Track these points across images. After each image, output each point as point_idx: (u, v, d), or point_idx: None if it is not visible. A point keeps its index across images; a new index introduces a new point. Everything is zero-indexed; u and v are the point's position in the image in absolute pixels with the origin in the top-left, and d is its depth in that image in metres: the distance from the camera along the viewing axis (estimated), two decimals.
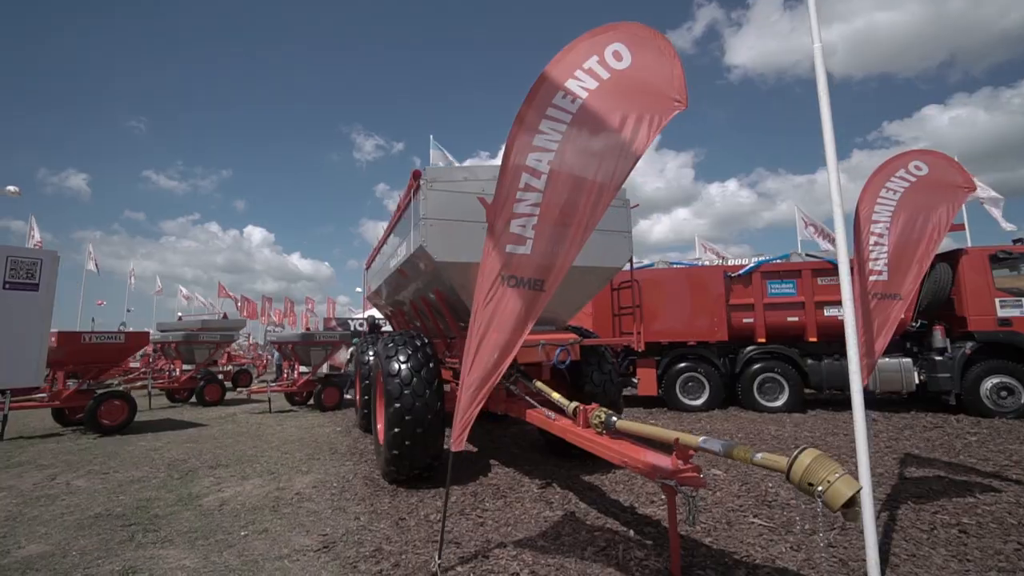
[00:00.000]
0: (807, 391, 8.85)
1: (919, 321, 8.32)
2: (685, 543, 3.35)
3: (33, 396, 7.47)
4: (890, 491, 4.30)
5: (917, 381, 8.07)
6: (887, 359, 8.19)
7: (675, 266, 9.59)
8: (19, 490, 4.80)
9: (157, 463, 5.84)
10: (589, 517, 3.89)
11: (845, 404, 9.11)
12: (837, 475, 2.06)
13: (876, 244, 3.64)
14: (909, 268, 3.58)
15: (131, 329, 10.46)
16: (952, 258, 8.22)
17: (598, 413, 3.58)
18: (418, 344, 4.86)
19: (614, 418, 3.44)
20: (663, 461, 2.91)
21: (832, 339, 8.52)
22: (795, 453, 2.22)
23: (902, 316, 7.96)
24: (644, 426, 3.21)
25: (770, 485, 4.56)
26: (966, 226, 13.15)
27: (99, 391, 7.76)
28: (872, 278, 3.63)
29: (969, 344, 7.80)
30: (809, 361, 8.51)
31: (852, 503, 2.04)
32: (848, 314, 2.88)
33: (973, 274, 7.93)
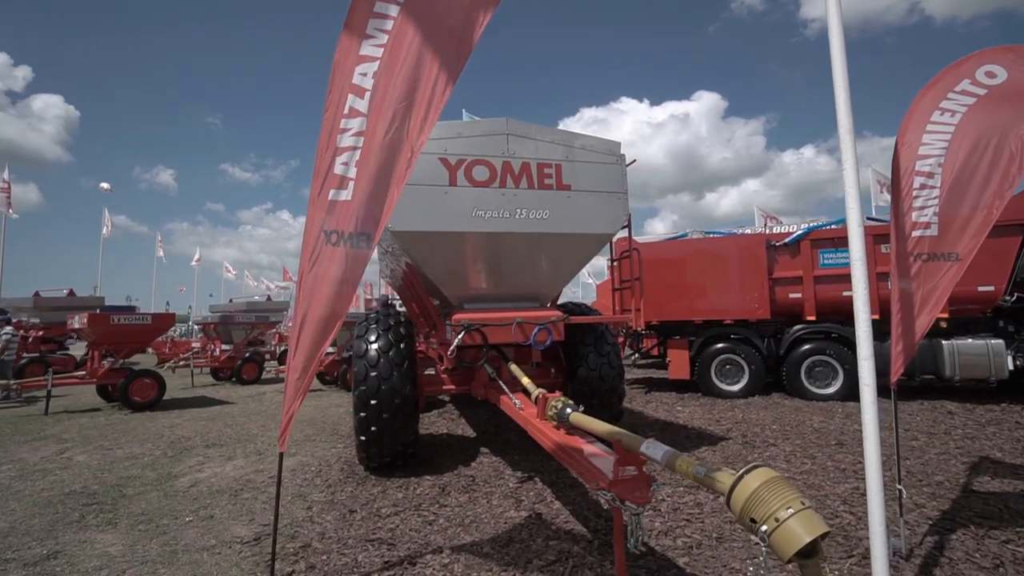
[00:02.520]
0: None
1: (1014, 295, 6.84)
2: (655, 562, 2.77)
3: (73, 373, 8.02)
4: (948, 507, 3.41)
5: (1011, 367, 6.67)
6: (970, 340, 6.85)
7: (710, 235, 8.57)
8: (25, 463, 5.03)
9: (163, 440, 5.99)
10: (557, 520, 3.38)
11: (914, 392, 7.79)
12: (791, 510, 1.41)
13: (923, 187, 2.74)
14: (971, 217, 2.66)
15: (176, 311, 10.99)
16: None
17: (554, 403, 3.04)
18: (391, 323, 4.51)
19: (568, 410, 2.89)
20: (605, 466, 2.34)
21: None
22: (740, 472, 1.59)
23: (988, 289, 6.59)
24: (596, 422, 2.64)
25: None
26: None
27: (133, 369, 8.20)
28: (915, 233, 2.75)
29: None
30: None
31: (813, 553, 1.39)
32: (858, 280, 2.12)
33: None
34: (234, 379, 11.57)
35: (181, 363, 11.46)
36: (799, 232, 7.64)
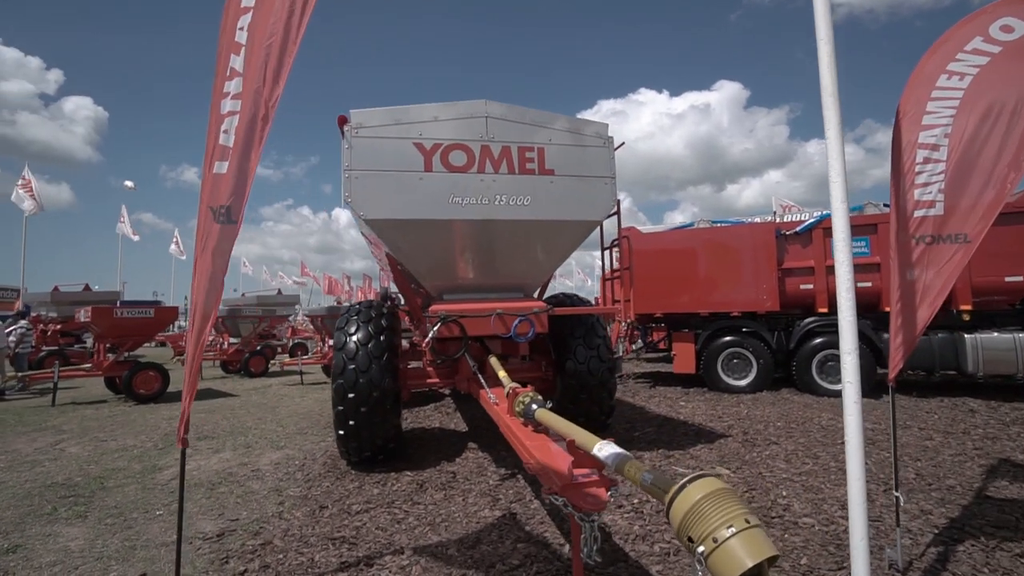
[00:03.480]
0: (882, 372, 7.24)
1: None
2: (626, 570, 2.59)
3: (80, 366, 8.17)
4: (958, 514, 3.13)
5: None
6: (996, 333, 6.41)
7: (718, 225, 8.23)
8: (18, 454, 5.09)
9: (158, 432, 6.02)
10: (532, 521, 3.22)
11: (933, 388, 7.37)
12: (732, 529, 1.21)
13: (926, 162, 2.47)
14: (982, 193, 2.38)
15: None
16: None
17: (522, 398, 2.87)
18: (372, 315, 4.38)
19: (535, 406, 2.72)
20: (563, 468, 2.17)
21: None
22: (682, 481, 1.39)
23: (1016, 279, 6.14)
24: (558, 419, 2.46)
25: (783, 493, 3.56)
26: None
27: (138, 362, 8.31)
28: (918, 213, 2.48)
29: None
30: (885, 335, 6.90)
31: None
32: (841, 263, 1.89)
33: None
34: (242, 372, 11.70)
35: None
36: (811, 220, 7.26)
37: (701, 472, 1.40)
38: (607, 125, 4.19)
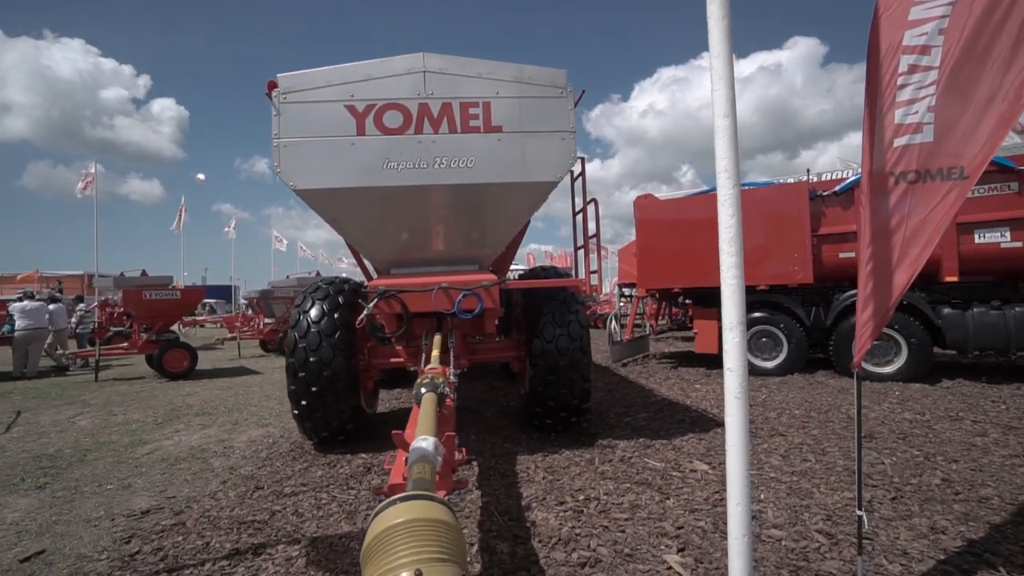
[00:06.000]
0: (941, 352, 6.17)
1: None
2: None
3: (119, 345, 8.83)
4: (982, 535, 2.47)
5: None
6: None
7: (745, 188, 7.31)
8: (36, 425, 5.50)
9: (167, 407, 6.32)
10: (459, 515, 2.92)
11: (1005, 374, 6.19)
12: None
13: (912, 70, 1.82)
14: (986, 110, 1.71)
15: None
16: None
17: (420, 380, 2.55)
18: (330, 292, 4.22)
19: (423, 390, 2.39)
20: (399, 467, 1.85)
21: (990, 276, 5.68)
22: (393, 497, 1.01)
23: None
24: (426, 407, 2.14)
25: (760, 496, 3.01)
26: None
27: (170, 341, 8.84)
28: (899, 141, 1.85)
29: None
30: (945, 310, 5.84)
31: None
32: (725, 200, 1.38)
33: None
34: (277, 350, 12.24)
35: (229, 337, 12.32)
36: (853, 178, 6.22)
37: (424, 493, 1.02)
38: (564, 72, 3.66)
